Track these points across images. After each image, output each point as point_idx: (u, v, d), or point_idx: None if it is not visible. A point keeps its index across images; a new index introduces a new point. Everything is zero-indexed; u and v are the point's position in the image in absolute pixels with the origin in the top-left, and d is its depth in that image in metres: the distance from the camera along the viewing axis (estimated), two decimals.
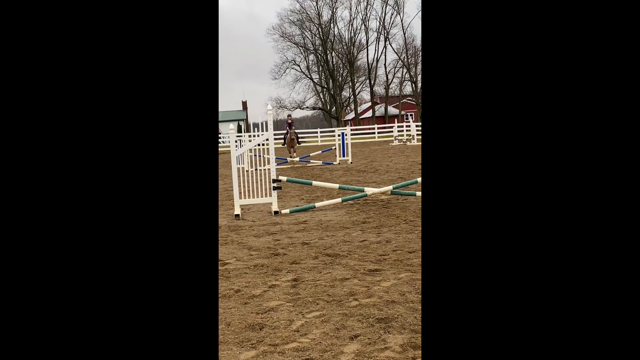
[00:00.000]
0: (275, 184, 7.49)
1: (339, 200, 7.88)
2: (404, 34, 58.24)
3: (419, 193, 7.82)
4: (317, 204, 7.68)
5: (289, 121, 19.68)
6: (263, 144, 8.22)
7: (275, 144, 7.84)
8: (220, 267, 4.59)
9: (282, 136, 20.88)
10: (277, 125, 56.71)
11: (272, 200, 7.56)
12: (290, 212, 7.45)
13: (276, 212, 7.41)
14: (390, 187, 7.85)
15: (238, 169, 8.14)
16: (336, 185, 8.24)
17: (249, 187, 8.46)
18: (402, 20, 58.53)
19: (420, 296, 3.47)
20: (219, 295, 3.77)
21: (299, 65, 60.40)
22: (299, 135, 23.40)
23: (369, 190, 7.83)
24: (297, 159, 18.96)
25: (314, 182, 8.28)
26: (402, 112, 59.01)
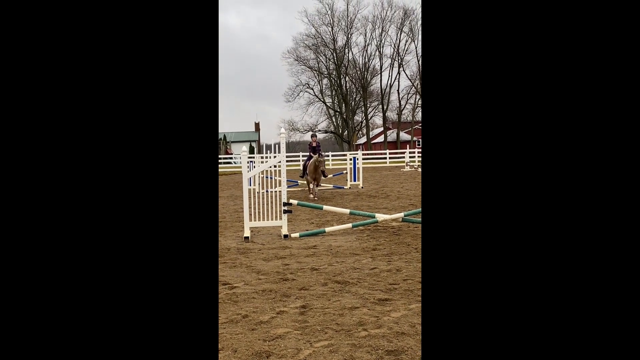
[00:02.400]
0: (285, 207, 7.47)
1: (349, 225, 7.82)
2: (418, 61, 58.54)
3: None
4: (327, 229, 7.63)
5: (314, 144, 14.16)
6: (275, 166, 8.22)
7: (287, 166, 7.82)
8: (228, 291, 4.54)
9: (303, 164, 14.75)
10: (289, 147, 56.88)
11: (282, 224, 7.53)
12: (300, 236, 7.41)
13: (286, 236, 7.37)
14: (401, 214, 7.79)
15: (249, 190, 8.13)
16: (347, 211, 8.19)
17: (259, 209, 8.44)
18: (416, 48, 58.82)
19: None
20: (227, 320, 3.72)
21: (312, 89, 60.95)
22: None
23: (380, 217, 7.77)
24: (313, 195, 13.44)
25: (325, 207, 8.24)
26: (414, 138, 59.05)
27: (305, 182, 15.09)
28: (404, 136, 60.49)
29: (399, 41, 59.01)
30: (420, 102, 59.01)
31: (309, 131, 60.75)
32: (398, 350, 3.04)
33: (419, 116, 60.59)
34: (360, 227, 7.88)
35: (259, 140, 61.98)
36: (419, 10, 65.94)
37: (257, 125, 65.51)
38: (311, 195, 13.56)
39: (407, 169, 29.03)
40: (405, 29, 58.07)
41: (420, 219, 7.90)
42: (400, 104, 59.78)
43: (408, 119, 61.02)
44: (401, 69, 58.94)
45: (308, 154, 14.26)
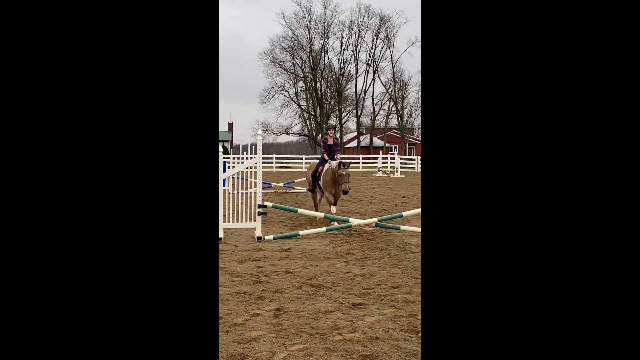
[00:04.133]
0: (260, 209, 7.44)
1: (323, 229, 7.84)
2: (393, 67, 59.11)
3: (403, 227, 7.83)
4: (302, 232, 7.64)
5: (331, 140, 9.52)
6: (250, 168, 8.19)
7: (262, 167, 7.79)
8: None
9: (313, 170, 9.51)
10: (263, 149, 56.43)
11: (257, 226, 7.50)
12: (274, 238, 7.39)
13: (260, 238, 7.34)
14: (375, 219, 7.85)
15: (223, 191, 8.07)
16: (321, 214, 8.21)
17: (233, 210, 8.39)
18: (391, 54, 59.35)
19: (404, 334, 3.43)
20: None
21: (287, 91, 60.85)
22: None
23: (354, 221, 7.82)
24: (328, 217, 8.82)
25: (299, 210, 8.24)
26: (387, 144, 59.55)
27: (313, 197, 9.95)
28: (377, 142, 60.94)
29: (375, 47, 59.45)
30: (393, 109, 59.64)
31: (282, 133, 60.67)
32: (372, 355, 3.06)
33: (392, 122, 61.19)
34: (334, 231, 7.91)
35: (232, 141, 61.57)
36: (395, 18, 66.41)
37: (230, 125, 65.07)
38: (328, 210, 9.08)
39: (380, 174, 29.25)
40: (381, 35, 58.59)
41: (393, 225, 7.98)
42: (374, 109, 60.21)
43: (381, 124, 61.47)
44: (376, 75, 59.41)
45: (321, 155, 9.46)
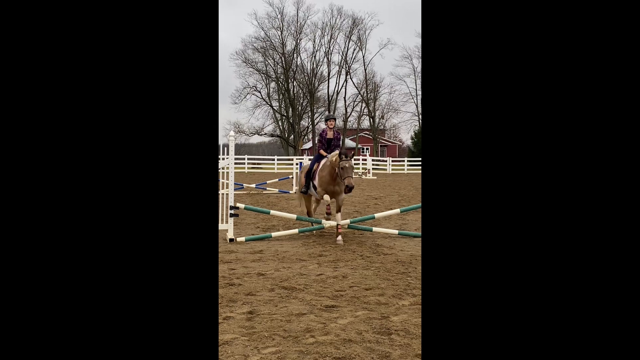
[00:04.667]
0: (232, 211, 7.39)
1: (295, 231, 7.83)
2: (365, 69, 59.49)
3: (375, 229, 7.88)
4: (274, 234, 7.61)
5: (330, 134, 7.82)
6: (223, 169, 8.13)
7: (235, 169, 7.74)
8: None
9: (307, 169, 8.03)
10: (236, 150, 56.03)
11: (228, 228, 7.44)
12: (246, 240, 7.34)
13: (231, 240, 7.28)
14: (347, 221, 7.88)
15: None
16: (294, 216, 8.20)
17: None
18: (363, 57, 59.68)
19: (376, 336, 3.45)
20: None
21: (259, 92, 60.57)
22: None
23: (327, 223, 7.83)
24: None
25: (272, 212, 8.21)
26: (359, 146, 59.86)
27: (304, 201, 8.28)
28: (349, 143, 61.20)
29: (347, 49, 59.69)
30: (365, 110, 59.98)
31: (254, 134, 60.39)
32: (345, 358, 3.07)
33: (364, 124, 61.52)
34: (307, 233, 7.91)
35: None
36: (367, 20, 66.81)
37: None
38: (325, 221, 7.68)
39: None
40: (354, 37, 58.87)
41: (365, 227, 8.02)
42: (346, 111, 60.39)
43: (354, 126, 61.77)
44: (348, 76, 59.64)
45: (317, 152, 7.79)
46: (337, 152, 7.12)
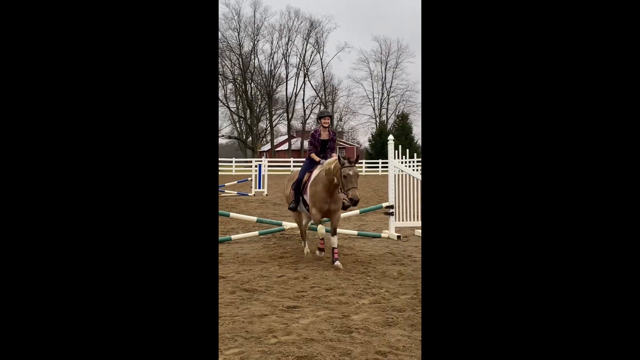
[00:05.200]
0: None
1: (256, 233, 7.83)
2: (323, 72, 59.82)
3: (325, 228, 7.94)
4: (234, 237, 7.59)
5: (325, 135, 6.35)
6: None
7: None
8: None
9: (297, 179, 6.27)
10: None
11: None
12: None
13: None
14: (323, 231, 7.92)
15: None
16: (254, 218, 8.20)
17: None
18: (321, 59, 60.04)
19: (337, 335, 3.52)
20: None
21: None
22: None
23: (287, 225, 7.86)
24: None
25: (231, 214, 8.18)
26: None
27: (297, 219, 6.72)
28: (307, 146, 61.36)
29: (305, 51, 59.89)
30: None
31: None
32: (307, 356, 3.12)
33: None
34: (267, 235, 7.92)
35: None
36: (324, 23, 67.09)
37: None
38: (318, 253, 6.29)
39: None
40: (311, 39, 59.11)
41: (325, 227, 8.10)
42: (305, 113, 60.57)
43: (312, 128, 62.00)
44: (306, 79, 59.83)
45: (307, 157, 6.39)
46: (334, 157, 5.61)
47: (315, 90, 60.46)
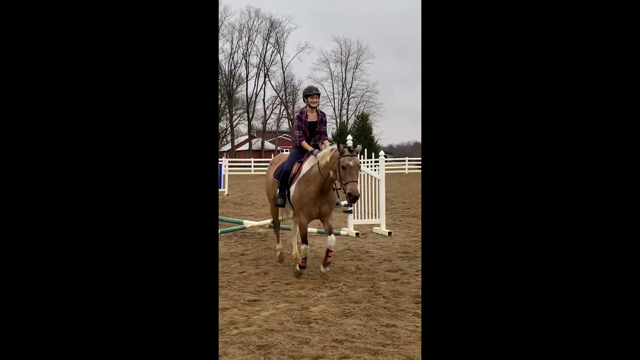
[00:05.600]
0: None
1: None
2: (284, 72, 59.86)
3: (291, 227, 8.10)
4: None
5: (312, 117, 5.20)
6: None
7: None
8: None
9: (281, 171, 5.26)
10: None
11: None
12: None
13: None
14: (268, 221, 8.06)
15: None
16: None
17: None
18: (282, 59, 60.08)
19: (297, 325, 3.68)
20: None
21: None
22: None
23: (248, 223, 7.97)
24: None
25: None
26: (279, 148, 60.05)
27: (275, 218, 5.95)
28: (269, 145, 61.24)
29: (265, 51, 59.78)
30: (284, 113, 60.27)
31: None
32: (268, 345, 3.27)
33: (283, 126, 61.77)
34: (228, 234, 8.00)
35: None
36: (285, 23, 67.05)
37: None
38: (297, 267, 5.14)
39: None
40: (272, 39, 59.06)
41: (285, 226, 8.25)
42: (265, 113, 60.45)
43: (273, 128, 61.90)
44: (267, 79, 59.74)
45: (295, 143, 5.27)
46: (332, 147, 4.68)
47: (275, 90, 60.43)
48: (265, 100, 60.49)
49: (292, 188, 4.86)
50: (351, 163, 4.41)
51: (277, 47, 59.37)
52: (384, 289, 4.68)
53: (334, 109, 60.30)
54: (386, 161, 9.98)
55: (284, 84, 59.80)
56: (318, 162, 4.68)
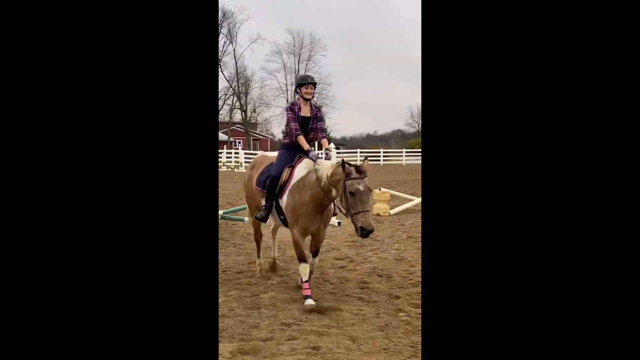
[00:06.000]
0: None
1: None
2: (236, 63, 59.19)
3: (246, 218, 8.24)
4: None
5: (306, 111, 4.22)
6: None
7: None
8: None
9: (268, 178, 4.14)
10: None
11: None
12: None
13: None
14: (220, 212, 8.15)
15: None
16: None
17: None
18: (234, 50, 59.41)
19: (247, 311, 3.85)
20: None
21: None
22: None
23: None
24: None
25: None
26: (232, 139, 59.55)
27: (257, 230, 5.04)
28: (222, 136, 60.59)
29: (217, 42, 58.97)
30: (237, 104, 59.75)
31: None
32: (219, 330, 3.42)
33: (236, 117, 61.22)
34: None
35: None
36: (237, 14, 66.42)
37: None
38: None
39: (224, 169, 29.40)
40: (224, 30, 58.32)
41: (238, 217, 8.37)
42: (217, 104, 59.75)
43: (225, 119, 61.29)
44: (219, 69, 58.98)
45: (286, 139, 4.39)
46: (337, 162, 3.73)
47: (228, 81, 59.73)
48: (219, 91, 59.75)
49: (284, 198, 3.92)
50: (361, 188, 3.49)
51: (229, 37, 58.64)
52: (331, 276, 4.91)
53: (287, 100, 60.31)
54: (338, 153, 10.17)
55: (237, 75, 59.22)
56: (318, 172, 3.76)
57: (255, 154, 37.43)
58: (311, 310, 3.69)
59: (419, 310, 3.81)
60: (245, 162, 29.08)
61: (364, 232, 3.42)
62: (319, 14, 71.83)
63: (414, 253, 5.91)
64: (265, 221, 4.24)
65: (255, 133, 62.54)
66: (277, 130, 55.36)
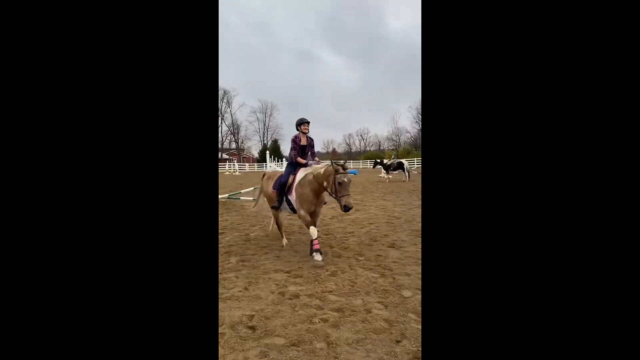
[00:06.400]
0: None
1: None
2: (232, 117, 60.57)
3: (242, 197, 9.78)
4: None
5: (304, 141, 6.23)
6: None
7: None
8: None
9: (279, 181, 6.16)
10: None
11: None
12: None
13: None
14: (226, 195, 9.65)
15: None
16: None
17: None
18: (230, 110, 61.17)
19: (244, 244, 5.47)
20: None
21: None
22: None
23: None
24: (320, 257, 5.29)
25: None
26: (230, 157, 61.26)
27: (276, 217, 6.52)
28: (224, 156, 62.05)
29: (218, 110, 60.12)
30: (233, 138, 63.08)
31: None
32: (228, 252, 5.23)
33: (232, 145, 64.27)
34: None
35: None
36: (231, 91, 74.19)
37: None
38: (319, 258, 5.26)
39: (226, 173, 31.39)
40: (225, 101, 61.32)
41: (236, 198, 9.93)
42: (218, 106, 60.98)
43: (225, 146, 63.48)
44: (222, 121, 60.99)
45: (289, 160, 6.27)
46: (325, 164, 5.58)
47: (228, 127, 62.47)
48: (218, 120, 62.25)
49: (292, 193, 5.75)
50: (345, 180, 5.17)
51: (227, 104, 62.94)
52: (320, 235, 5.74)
53: (260, 138, 66.82)
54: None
55: (232, 124, 62.30)
56: (314, 172, 5.48)
57: (244, 166, 43.13)
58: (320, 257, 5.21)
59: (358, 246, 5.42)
60: (239, 170, 31.42)
61: (347, 208, 4.96)
62: (275, 88, 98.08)
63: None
64: (278, 209, 6.11)
65: (243, 154, 69.23)
66: (255, 151, 67.56)
